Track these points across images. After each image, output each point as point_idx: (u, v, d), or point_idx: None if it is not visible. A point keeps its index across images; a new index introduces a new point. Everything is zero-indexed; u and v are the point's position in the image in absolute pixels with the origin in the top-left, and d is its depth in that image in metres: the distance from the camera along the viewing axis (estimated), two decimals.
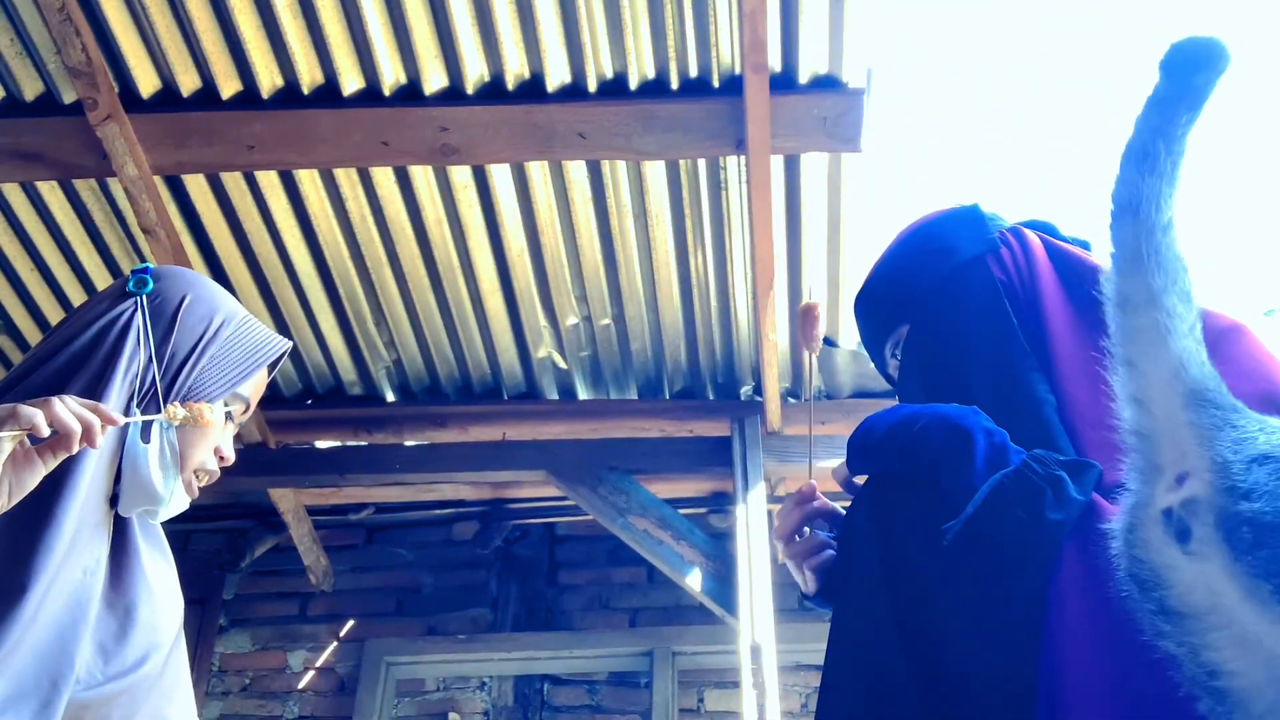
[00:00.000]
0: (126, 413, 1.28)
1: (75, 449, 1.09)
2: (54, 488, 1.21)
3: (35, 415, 1.06)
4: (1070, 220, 1.42)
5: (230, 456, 1.39)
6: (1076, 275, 1.27)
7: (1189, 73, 0.87)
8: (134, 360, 1.30)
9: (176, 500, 1.33)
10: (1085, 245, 1.35)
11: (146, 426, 1.29)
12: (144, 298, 1.35)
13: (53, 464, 1.11)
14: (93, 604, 1.24)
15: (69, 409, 1.09)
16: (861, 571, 1.17)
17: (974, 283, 1.30)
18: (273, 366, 1.47)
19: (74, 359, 1.30)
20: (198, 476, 1.36)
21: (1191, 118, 0.87)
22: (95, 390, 1.26)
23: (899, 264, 1.41)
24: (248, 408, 1.41)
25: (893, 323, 1.39)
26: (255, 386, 1.42)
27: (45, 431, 1.06)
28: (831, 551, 1.28)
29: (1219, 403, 0.82)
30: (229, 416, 1.38)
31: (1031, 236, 1.33)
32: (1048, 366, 1.21)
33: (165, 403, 1.30)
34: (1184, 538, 0.81)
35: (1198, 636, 0.81)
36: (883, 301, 1.42)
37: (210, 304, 1.39)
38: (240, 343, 1.39)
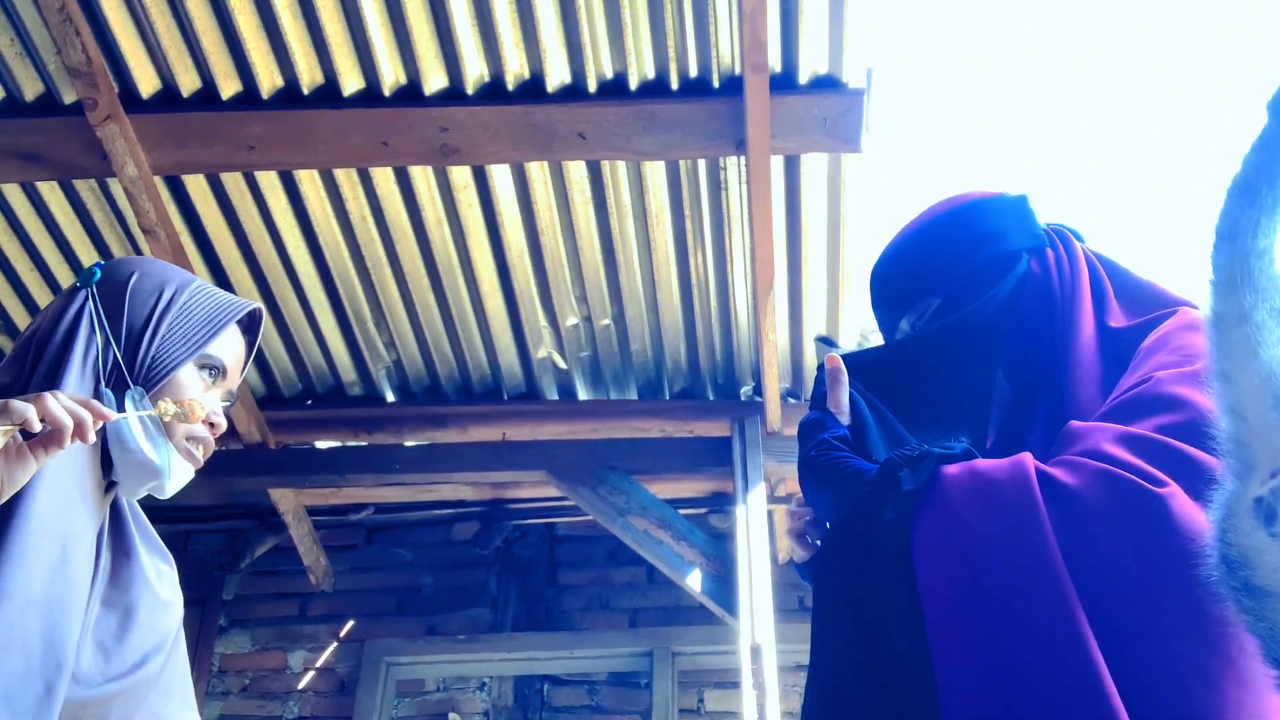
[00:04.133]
0: (96, 397, 1.27)
1: (67, 444, 1.09)
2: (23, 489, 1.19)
3: (27, 410, 1.06)
4: (1075, 219, 1.42)
5: (222, 423, 1.36)
6: (1114, 285, 1.30)
7: None
8: (92, 345, 1.30)
9: (178, 470, 1.32)
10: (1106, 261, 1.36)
11: (122, 408, 1.28)
12: (93, 287, 1.35)
13: (44, 459, 1.10)
14: (83, 602, 1.22)
15: (61, 404, 1.08)
16: (828, 581, 1.23)
17: (1013, 274, 1.30)
18: (252, 330, 1.45)
19: (31, 354, 1.29)
20: (192, 444, 1.34)
21: None
22: (54, 379, 1.26)
23: (942, 235, 1.37)
24: (226, 372, 1.38)
25: (923, 294, 1.36)
26: (228, 349, 1.39)
27: (37, 426, 1.06)
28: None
29: None
30: (206, 378, 1.36)
31: (1074, 240, 1.34)
32: (1064, 368, 1.24)
33: (132, 380, 1.29)
34: (1271, 521, 0.89)
35: (1279, 614, 0.89)
36: (918, 271, 1.37)
37: (159, 277, 1.38)
38: (199, 306, 1.37)
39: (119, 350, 1.30)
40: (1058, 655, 0.97)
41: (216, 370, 1.37)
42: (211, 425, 1.35)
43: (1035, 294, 1.29)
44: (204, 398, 1.34)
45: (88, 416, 1.10)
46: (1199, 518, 0.98)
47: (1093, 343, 1.25)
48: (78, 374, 1.27)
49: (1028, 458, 1.09)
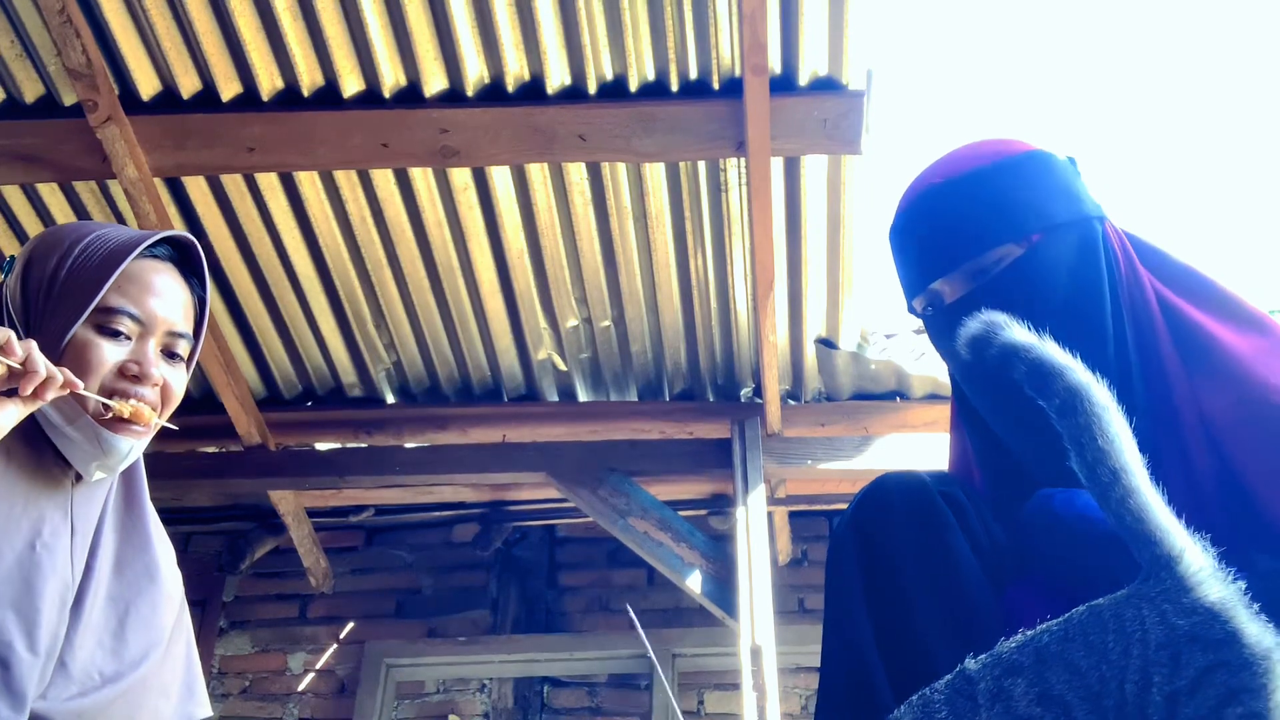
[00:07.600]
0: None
1: (28, 392, 1.06)
2: None
3: (9, 337, 1.04)
4: None
5: (151, 373, 1.21)
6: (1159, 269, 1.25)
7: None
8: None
9: (108, 439, 1.19)
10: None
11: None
12: (6, 275, 1.28)
13: (28, 411, 1.07)
14: (41, 578, 1.17)
15: (40, 356, 1.07)
16: (847, 582, 1.22)
17: (1104, 241, 1.23)
18: (184, 265, 1.31)
19: None
20: (122, 399, 1.20)
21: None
22: None
23: (1021, 180, 1.25)
24: (147, 319, 1.23)
25: (999, 240, 1.22)
26: (141, 293, 1.24)
27: (16, 353, 1.04)
28: None
29: None
30: (105, 331, 1.21)
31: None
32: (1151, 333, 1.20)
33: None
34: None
35: None
36: (997, 212, 1.23)
37: (57, 236, 1.27)
38: (91, 259, 1.22)
39: (21, 332, 1.21)
40: None
41: (130, 319, 1.22)
42: (137, 379, 1.21)
43: (1110, 265, 1.22)
44: (114, 353, 1.21)
45: (59, 377, 1.08)
46: None
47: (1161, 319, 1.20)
48: None
49: None
